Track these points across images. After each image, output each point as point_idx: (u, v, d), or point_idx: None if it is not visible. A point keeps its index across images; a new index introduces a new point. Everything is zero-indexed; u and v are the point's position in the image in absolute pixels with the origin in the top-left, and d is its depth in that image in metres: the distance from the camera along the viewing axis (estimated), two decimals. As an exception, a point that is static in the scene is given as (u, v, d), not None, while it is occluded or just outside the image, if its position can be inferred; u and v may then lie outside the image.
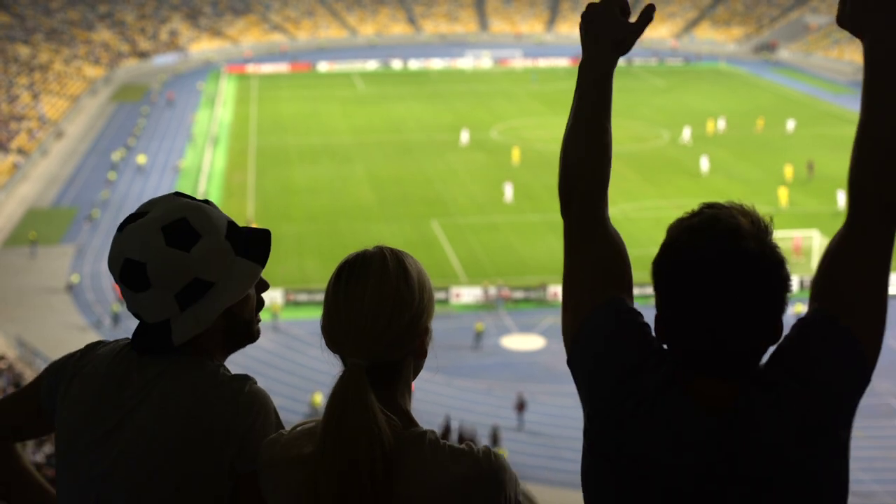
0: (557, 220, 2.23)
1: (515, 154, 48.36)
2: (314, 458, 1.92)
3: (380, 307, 1.97)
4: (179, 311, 2.13)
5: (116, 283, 2.17)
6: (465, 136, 53.27)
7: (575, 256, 2.12)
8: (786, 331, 1.87)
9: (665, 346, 1.91)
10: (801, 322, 1.92)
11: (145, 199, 2.20)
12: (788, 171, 45.51)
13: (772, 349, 1.89)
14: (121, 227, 2.17)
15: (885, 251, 1.92)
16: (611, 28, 2.18)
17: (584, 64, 2.20)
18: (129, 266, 2.11)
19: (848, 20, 2.01)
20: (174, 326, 2.14)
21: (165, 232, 2.11)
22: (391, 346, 1.99)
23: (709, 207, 1.87)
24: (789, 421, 1.80)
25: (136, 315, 2.19)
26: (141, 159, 47.91)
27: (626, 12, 2.19)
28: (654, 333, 1.92)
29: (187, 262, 2.11)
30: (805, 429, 1.80)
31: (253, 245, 2.22)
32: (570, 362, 2.03)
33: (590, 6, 2.21)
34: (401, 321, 1.99)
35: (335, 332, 2.01)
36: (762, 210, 1.86)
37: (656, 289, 1.89)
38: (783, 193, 41.67)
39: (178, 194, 2.24)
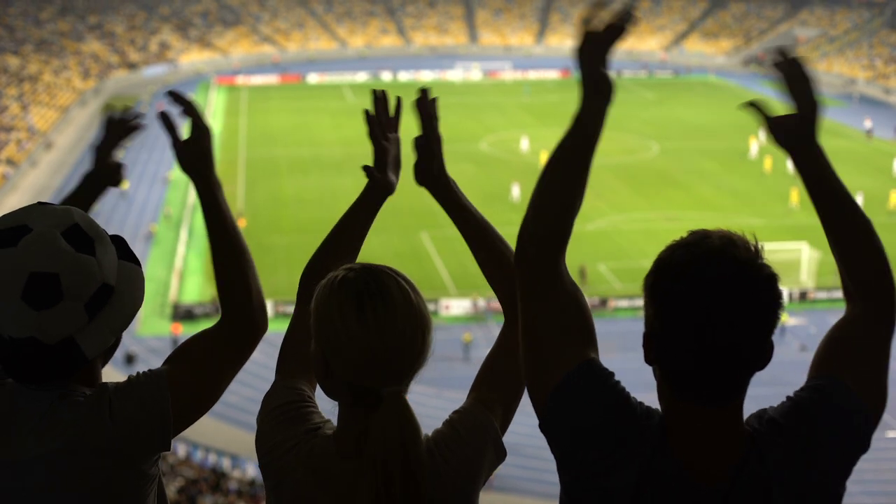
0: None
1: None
2: (353, 475, 1.91)
3: (414, 330, 1.94)
4: (87, 322, 1.97)
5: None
6: (524, 144, 53.63)
7: (537, 310, 2.01)
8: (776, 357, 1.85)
9: (653, 366, 1.87)
10: (804, 391, 1.91)
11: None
12: (768, 162, 46.98)
13: (770, 415, 1.87)
14: (5, 243, 1.93)
15: (888, 326, 1.99)
16: (604, 68, 2.01)
17: (592, 108, 2.01)
18: (36, 280, 1.90)
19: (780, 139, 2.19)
20: (82, 340, 1.97)
21: (68, 238, 1.95)
22: (422, 365, 2.00)
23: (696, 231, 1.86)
24: (784, 493, 1.78)
25: (21, 341, 1.93)
26: (124, 185, 47.37)
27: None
28: (643, 351, 1.86)
29: (95, 268, 1.96)
30: (802, 497, 1.79)
31: (122, 248, 2.10)
32: (543, 428, 1.96)
33: (589, 36, 2.00)
34: (430, 338, 1.99)
35: (368, 364, 1.93)
36: (747, 227, 1.86)
37: (647, 305, 1.86)
38: (794, 194, 41.64)
39: (40, 203, 2.07)
